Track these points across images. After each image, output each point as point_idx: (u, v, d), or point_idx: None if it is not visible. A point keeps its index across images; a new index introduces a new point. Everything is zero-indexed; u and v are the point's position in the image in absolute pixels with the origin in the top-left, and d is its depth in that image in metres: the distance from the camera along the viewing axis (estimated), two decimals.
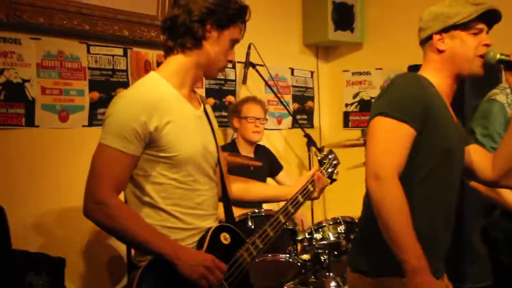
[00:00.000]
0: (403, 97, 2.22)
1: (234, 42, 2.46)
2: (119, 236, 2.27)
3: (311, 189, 2.73)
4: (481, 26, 2.32)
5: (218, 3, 2.36)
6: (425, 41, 2.41)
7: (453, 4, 2.34)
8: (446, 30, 2.33)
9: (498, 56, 2.34)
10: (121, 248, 3.81)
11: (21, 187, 3.49)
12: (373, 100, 5.43)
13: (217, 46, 2.40)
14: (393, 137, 2.16)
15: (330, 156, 3.09)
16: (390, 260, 2.06)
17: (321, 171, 2.97)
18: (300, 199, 2.68)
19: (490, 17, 2.33)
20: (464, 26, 2.30)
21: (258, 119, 4.36)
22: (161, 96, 2.31)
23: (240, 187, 2.75)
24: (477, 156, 2.51)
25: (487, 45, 2.32)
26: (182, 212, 2.35)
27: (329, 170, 3.02)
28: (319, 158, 3.16)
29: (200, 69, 2.43)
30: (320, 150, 3.44)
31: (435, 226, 2.28)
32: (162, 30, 2.45)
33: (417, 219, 2.13)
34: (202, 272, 2.23)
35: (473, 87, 4.08)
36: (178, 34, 2.38)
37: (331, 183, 3.11)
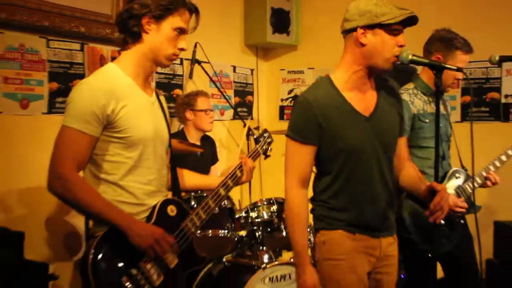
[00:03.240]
0: (300, 121, 2.48)
1: (180, 30, 2.41)
2: (78, 208, 2.30)
3: (239, 174, 2.79)
4: (399, 27, 2.38)
5: None
6: (348, 32, 2.44)
7: (379, 4, 2.37)
8: (370, 27, 2.37)
9: (410, 56, 2.41)
10: (78, 223, 3.79)
11: None
12: None
13: (158, 36, 2.37)
14: (295, 155, 2.49)
15: (265, 135, 3.17)
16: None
17: (257, 148, 3.04)
18: (230, 183, 2.73)
19: (408, 21, 2.38)
20: (386, 26, 2.35)
21: (212, 110, 4.39)
22: (118, 83, 2.34)
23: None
24: (398, 151, 2.63)
25: (401, 46, 2.38)
26: (135, 187, 2.37)
27: (264, 147, 3.12)
28: (255, 136, 3.25)
29: (149, 60, 2.42)
30: (256, 128, 3.49)
31: (359, 202, 2.47)
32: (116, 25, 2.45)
33: (343, 199, 2.49)
34: (151, 242, 2.26)
35: None
36: (120, 30, 2.42)
37: (265, 158, 3.21)
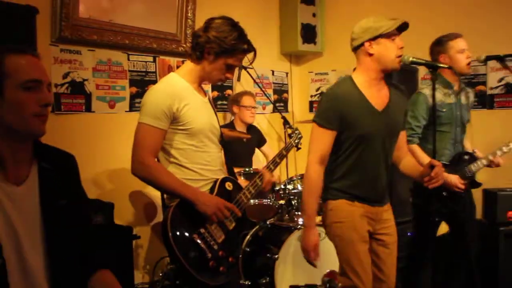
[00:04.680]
0: (326, 110, 2.45)
1: (230, 66, 2.41)
2: (156, 186, 2.34)
3: (259, 183, 2.66)
4: (395, 33, 2.41)
5: (217, 36, 2.35)
6: (357, 48, 2.46)
7: (376, 20, 2.41)
8: (374, 39, 2.40)
9: (411, 59, 2.46)
10: (154, 195, 3.81)
11: (82, 154, 3.28)
12: None
13: (212, 66, 2.40)
14: (319, 137, 2.46)
15: (296, 132, 3.25)
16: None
17: (291, 142, 3.07)
18: (258, 182, 2.66)
19: (402, 27, 2.42)
20: (386, 35, 2.38)
21: (253, 107, 4.41)
22: (179, 87, 2.39)
23: None
24: (399, 142, 2.61)
25: (401, 48, 2.41)
26: (198, 168, 2.42)
27: (296, 141, 3.17)
28: (289, 133, 3.32)
29: (201, 76, 2.45)
30: (290, 127, 3.55)
31: (364, 181, 2.49)
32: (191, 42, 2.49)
33: (351, 177, 2.49)
34: (214, 210, 2.31)
35: (399, 83, 4.22)
36: (191, 47, 2.46)
37: (297, 150, 3.25)
